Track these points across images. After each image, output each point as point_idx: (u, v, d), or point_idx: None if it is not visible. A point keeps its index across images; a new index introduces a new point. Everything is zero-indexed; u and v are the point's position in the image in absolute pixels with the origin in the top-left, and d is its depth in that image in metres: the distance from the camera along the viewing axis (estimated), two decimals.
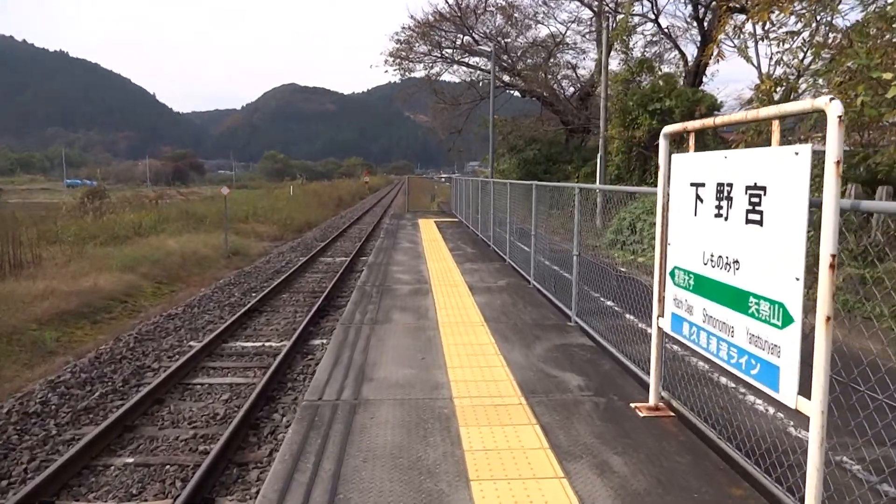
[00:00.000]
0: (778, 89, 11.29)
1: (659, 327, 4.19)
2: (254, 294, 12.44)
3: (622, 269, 11.13)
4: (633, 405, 4.61)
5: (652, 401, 4.49)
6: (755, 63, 20.36)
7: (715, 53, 12.26)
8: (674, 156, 3.74)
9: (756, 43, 17.44)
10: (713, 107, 13.44)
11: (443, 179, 54.36)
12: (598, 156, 17.56)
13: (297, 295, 12.36)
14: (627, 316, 7.10)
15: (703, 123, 3.44)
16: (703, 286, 3.36)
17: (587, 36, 28.95)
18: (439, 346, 6.31)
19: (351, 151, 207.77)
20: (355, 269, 15.22)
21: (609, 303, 7.73)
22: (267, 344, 8.98)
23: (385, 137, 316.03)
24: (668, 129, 3.91)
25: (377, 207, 44.13)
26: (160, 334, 9.38)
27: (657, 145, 4.06)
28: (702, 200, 3.29)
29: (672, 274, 3.84)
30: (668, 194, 3.87)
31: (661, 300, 4.06)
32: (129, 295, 12.52)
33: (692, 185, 3.42)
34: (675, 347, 6.12)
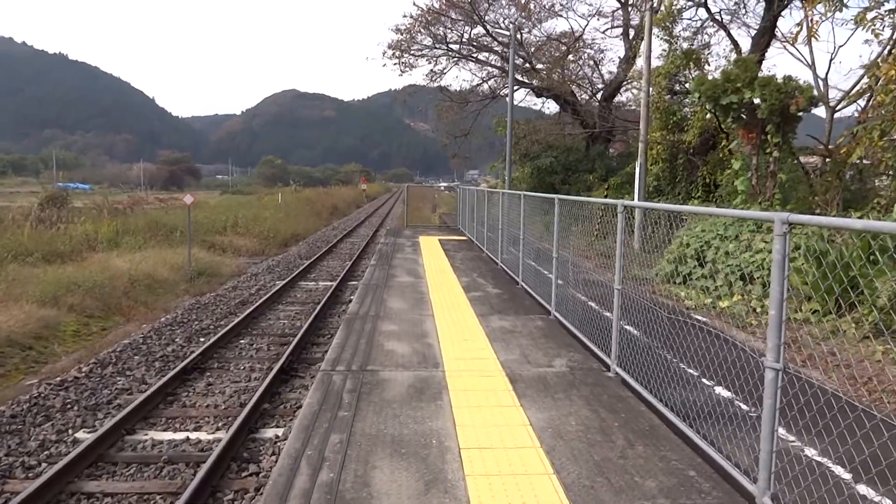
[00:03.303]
0: None
1: None
2: (202, 339, 9.43)
3: (700, 319, 8.08)
4: None
5: None
6: (807, 60, 17.34)
7: (804, 34, 9.34)
8: None
9: (810, 33, 14.53)
10: (812, 101, 10.29)
11: (443, 188, 51.33)
12: (637, 163, 14.59)
13: (259, 340, 9.37)
14: None
15: None
16: None
17: (608, 33, 26.04)
18: None
19: (350, 158, 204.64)
20: (340, 299, 12.25)
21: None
22: (193, 436, 5.97)
23: (384, 144, 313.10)
24: None
25: (374, 217, 41.19)
26: (35, 418, 6.32)
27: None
28: None
29: None
30: None
31: None
32: (40, 337, 9.51)
33: None
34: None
